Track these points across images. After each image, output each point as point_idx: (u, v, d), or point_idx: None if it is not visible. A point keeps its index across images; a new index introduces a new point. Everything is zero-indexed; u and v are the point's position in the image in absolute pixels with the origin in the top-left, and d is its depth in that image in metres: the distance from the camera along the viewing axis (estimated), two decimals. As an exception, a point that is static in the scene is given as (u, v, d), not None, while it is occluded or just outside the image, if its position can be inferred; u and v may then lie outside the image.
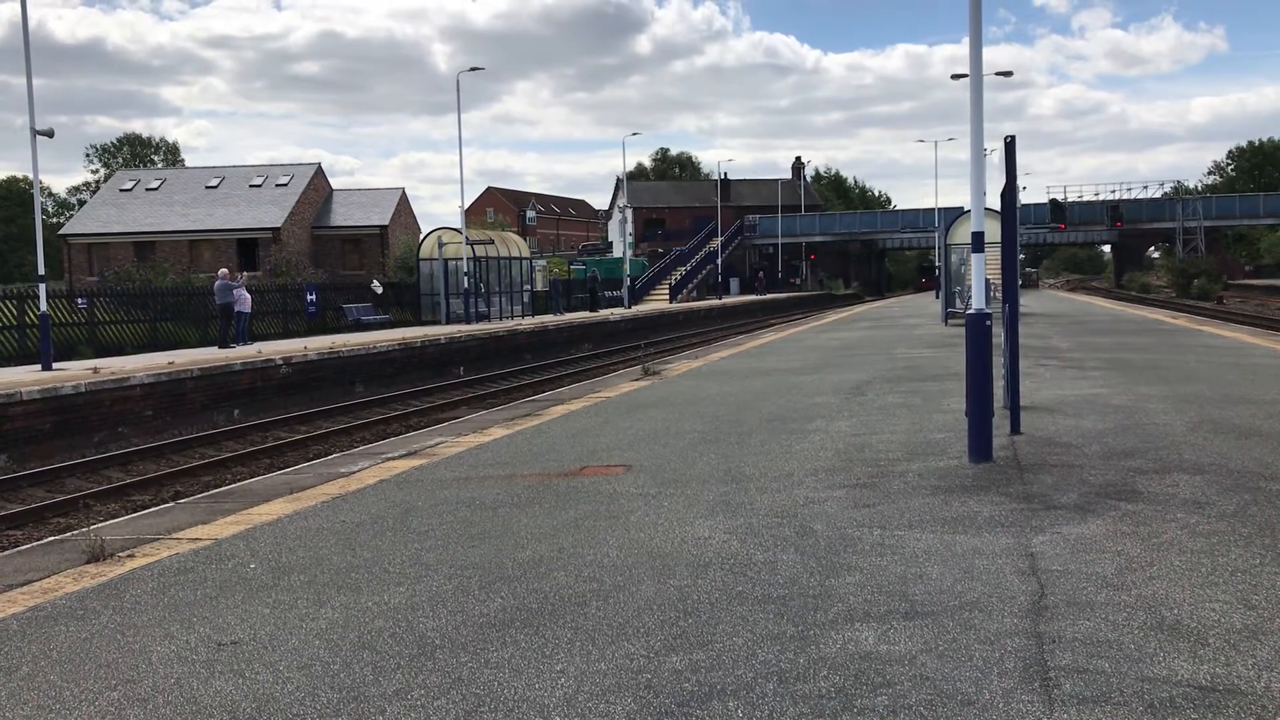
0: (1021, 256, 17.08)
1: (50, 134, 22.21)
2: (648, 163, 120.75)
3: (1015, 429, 9.85)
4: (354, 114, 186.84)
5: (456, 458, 9.86)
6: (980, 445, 8.62)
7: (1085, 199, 77.11)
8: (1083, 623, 4.72)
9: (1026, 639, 4.54)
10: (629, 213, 61.90)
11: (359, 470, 9.34)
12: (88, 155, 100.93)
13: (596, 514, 7.20)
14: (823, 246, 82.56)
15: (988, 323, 8.68)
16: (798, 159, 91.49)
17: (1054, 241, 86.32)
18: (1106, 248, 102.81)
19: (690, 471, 8.62)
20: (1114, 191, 78.53)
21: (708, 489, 7.90)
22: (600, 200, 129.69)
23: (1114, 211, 70.31)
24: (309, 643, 4.81)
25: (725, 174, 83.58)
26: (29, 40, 21.80)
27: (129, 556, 6.49)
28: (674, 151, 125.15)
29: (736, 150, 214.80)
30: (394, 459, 9.90)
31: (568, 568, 5.89)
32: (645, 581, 5.57)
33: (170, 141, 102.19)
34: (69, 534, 7.60)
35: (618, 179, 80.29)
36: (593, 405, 13.48)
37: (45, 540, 7.83)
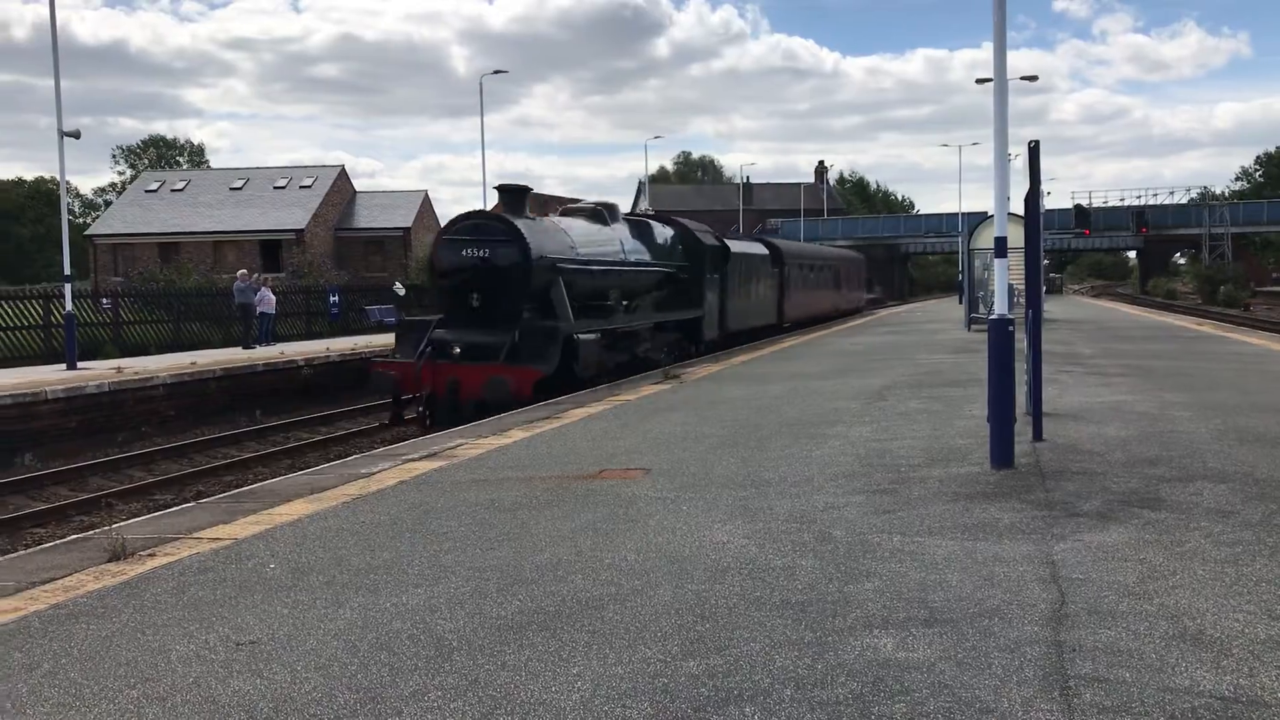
0: (1045, 262, 17.04)
1: (76, 135, 22.38)
2: (669, 166, 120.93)
3: (1038, 435, 9.79)
4: (374, 116, 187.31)
5: (476, 460, 9.87)
6: (1002, 451, 8.57)
7: (1110, 204, 76.67)
8: (1104, 631, 4.68)
9: (1047, 647, 4.50)
10: (650, 215, 61.75)
11: (379, 471, 9.37)
12: (114, 156, 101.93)
13: (614, 517, 7.19)
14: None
15: (1010, 328, 8.64)
16: (820, 163, 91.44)
17: (1078, 247, 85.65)
18: (1132, 254, 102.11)
19: (709, 475, 8.61)
20: (1139, 197, 77.93)
21: (726, 493, 7.88)
22: (621, 203, 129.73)
23: (1139, 217, 69.80)
24: (327, 643, 4.82)
25: (747, 178, 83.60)
26: (57, 43, 21.99)
27: (150, 555, 6.53)
28: (696, 155, 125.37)
29: (756, 154, 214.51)
30: (414, 460, 9.92)
31: (585, 571, 5.88)
32: (663, 585, 5.56)
33: (195, 143, 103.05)
34: (91, 532, 7.64)
35: (640, 182, 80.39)
36: (612, 408, 13.48)
37: (68, 538, 7.88)
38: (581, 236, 18.38)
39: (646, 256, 20.61)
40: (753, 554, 6.13)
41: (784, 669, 4.34)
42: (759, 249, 29.43)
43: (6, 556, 7.39)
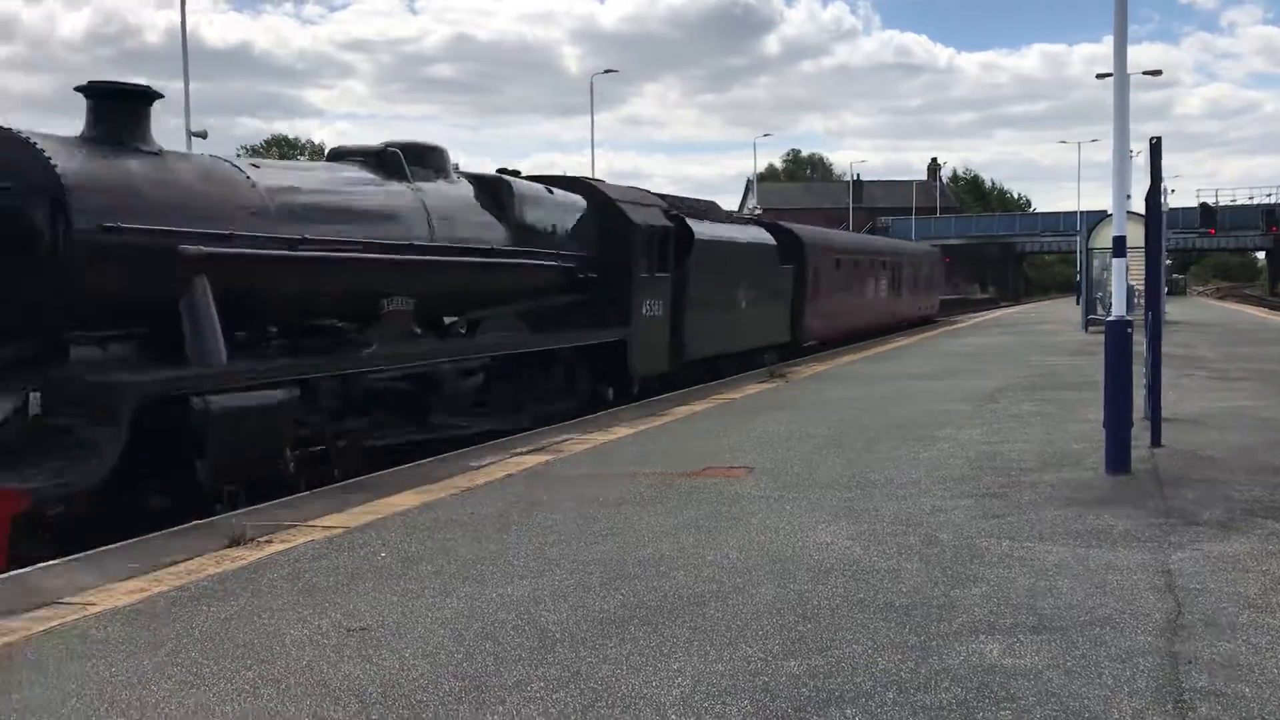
0: (1168, 262, 16.53)
1: (204, 135, 23.29)
2: (779, 164, 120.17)
3: (1156, 441, 9.50)
4: (488, 116, 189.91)
5: (582, 455, 9.97)
6: (1118, 457, 8.35)
7: (1238, 203, 73.75)
8: (1222, 644, 4.53)
9: (1160, 658, 4.38)
10: (758, 214, 61.63)
11: (487, 465, 9.52)
12: (239, 155, 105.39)
13: (717, 515, 7.20)
14: (958, 250, 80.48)
15: (1129, 330, 8.42)
16: (934, 160, 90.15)
17: (1203, 247, 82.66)
18: (1261, 254, 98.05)
19: (813, 476, 8.55)
20: (1270, 195, 74.77)
21: (831, 494, 7.82)
22: (730, 202, 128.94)
23: (1269, 216, 66.99)
24: (434, 631, 4.93)
25: (858, 175, 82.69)
26: (187, 47, 22.88)
27: (267, 542, 6.75)
28: (805, 152, 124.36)
29: (866, 151, 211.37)
30: (522, 454, 10.06)
31: (687, 567, 5.90)
32: (765, 584, 5.55)
33: (316, 143, 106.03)
34: (213, 519, 7.93)
35: (748, 180, 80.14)
36: (716, 407, 13.48)
37: (192, 524, 8.18)
38: (292, 192, 9.63)
39: (498, 239, 12.08)
40: (857, 555, 6.07)
41: (886, 672, 4.30)
42: (757, 235, 19.99)
43: (134, 540, 7.71)
